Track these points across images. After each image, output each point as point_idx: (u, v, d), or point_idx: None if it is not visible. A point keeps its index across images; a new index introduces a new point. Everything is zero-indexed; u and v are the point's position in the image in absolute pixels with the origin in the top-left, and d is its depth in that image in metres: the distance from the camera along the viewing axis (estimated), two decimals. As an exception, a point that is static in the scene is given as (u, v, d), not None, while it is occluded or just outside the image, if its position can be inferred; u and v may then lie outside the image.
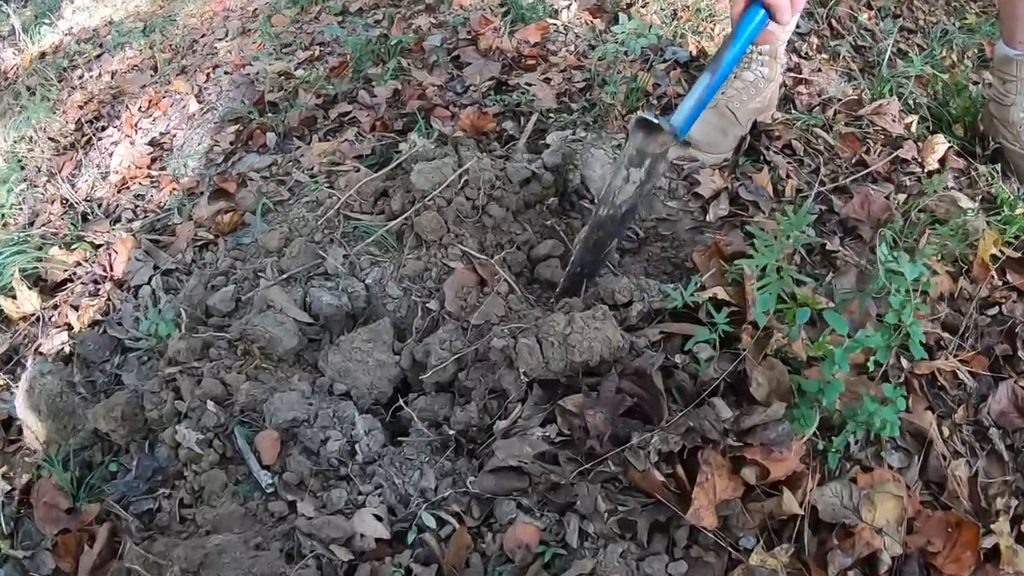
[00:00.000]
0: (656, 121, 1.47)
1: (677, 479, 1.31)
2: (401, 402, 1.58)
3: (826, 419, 1.39)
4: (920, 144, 2.21)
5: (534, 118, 2.28)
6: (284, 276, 1.83)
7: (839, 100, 2.42)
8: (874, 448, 1.47)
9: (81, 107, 3.88)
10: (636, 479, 1.31)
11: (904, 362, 1.58)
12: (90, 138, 3.49)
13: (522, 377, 1.44)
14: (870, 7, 3.07)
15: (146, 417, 1.68)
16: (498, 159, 2.04)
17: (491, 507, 1.37)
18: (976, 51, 2.85)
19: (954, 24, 2.98)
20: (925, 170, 2.17)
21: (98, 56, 4.58)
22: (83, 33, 5.07)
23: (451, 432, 1.47)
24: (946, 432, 1.52)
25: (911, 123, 2.31)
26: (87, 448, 1.79)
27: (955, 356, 1.65)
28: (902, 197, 2.04)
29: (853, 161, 2.17)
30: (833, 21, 2.98)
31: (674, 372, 1.46)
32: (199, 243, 2.20)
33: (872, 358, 1.36)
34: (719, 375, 1.40)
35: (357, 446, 1.49)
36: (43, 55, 4.94)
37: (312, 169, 2.36)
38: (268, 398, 1.57)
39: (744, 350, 1.43)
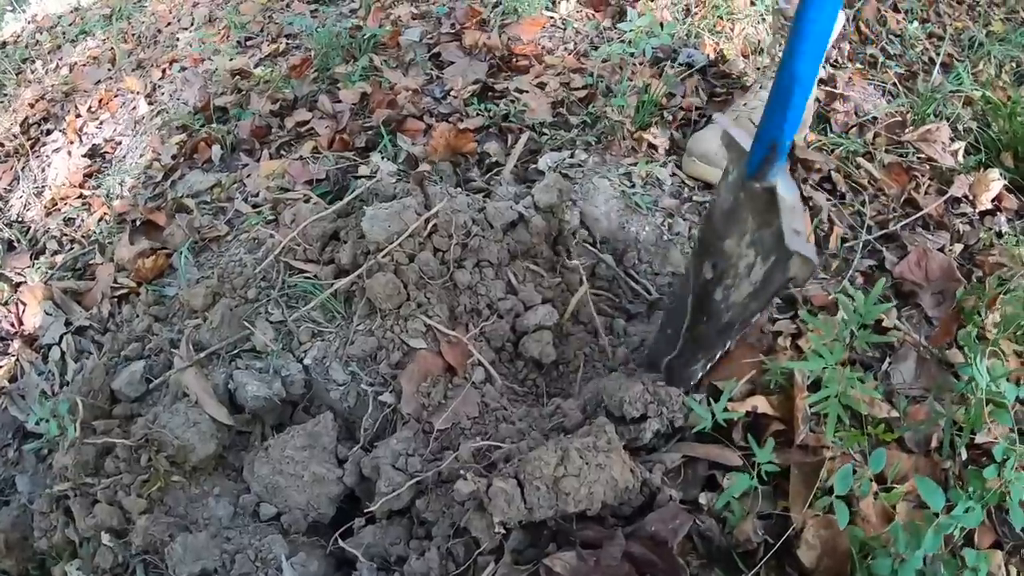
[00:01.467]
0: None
1: None
2: (339, 539, 1.20)
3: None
4: (970, 177, 1.81)
5: (524, 138, 1.87)
6: (203, 353, 1.44)
7: (879, 121, 2.00)
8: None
9: (32, 105, 3.50)
10: None
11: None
12: (35, 142, 3.12)
13: (497, 527, 1.05)
14: (896, 9, 2.64)
15: (34, 548, 1.32)
16: (476, 195, 1.63)
17: None
18: (1014, 64, 2.44)
19: (980, 31, 2.56)
20: (977, 210, 1.77)
21: (59, 47, 4.19)
22: (46, 21, 4.68)
23: (402, 593, 1.09)
24: (1014, 572, 1.15)
25: (958, 150, 1.90)
26: (-23, 573, 1.44)
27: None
28: (958, 248, 1.65)
29: (901, 199, 1.77)
30: (861, 24, 2.57)
31: (696, 518, 1.07)
32: (119, 292, 1.82)
33: (959, 527, 0.98)
34: (759, 536, 1.02)
35: (280, 607, 1.12)
36: (3, 45, 4.55)
37: (257, 195, 1.96)
38: (172, 537, 1.19)
39: (789, 501, 1.04)
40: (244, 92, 2.50)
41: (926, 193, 1.77)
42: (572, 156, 1.83)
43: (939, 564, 0.98)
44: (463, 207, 1.51)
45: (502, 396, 1.32)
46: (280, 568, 1.18)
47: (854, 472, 1.09)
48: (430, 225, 1.46)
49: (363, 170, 1.84)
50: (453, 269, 1.45)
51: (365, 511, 1.21)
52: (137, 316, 1.70)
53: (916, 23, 2.54)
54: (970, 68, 2.26)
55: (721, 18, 2.39)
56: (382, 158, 1.82)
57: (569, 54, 2.31)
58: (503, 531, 1.07)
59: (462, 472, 1.09)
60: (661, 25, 2.29)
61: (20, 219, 2.59)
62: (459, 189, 1.64)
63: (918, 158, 1.87)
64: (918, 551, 0.92)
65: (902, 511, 1.07)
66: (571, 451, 1.04)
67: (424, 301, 1.40)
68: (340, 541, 1.20)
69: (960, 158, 1.89)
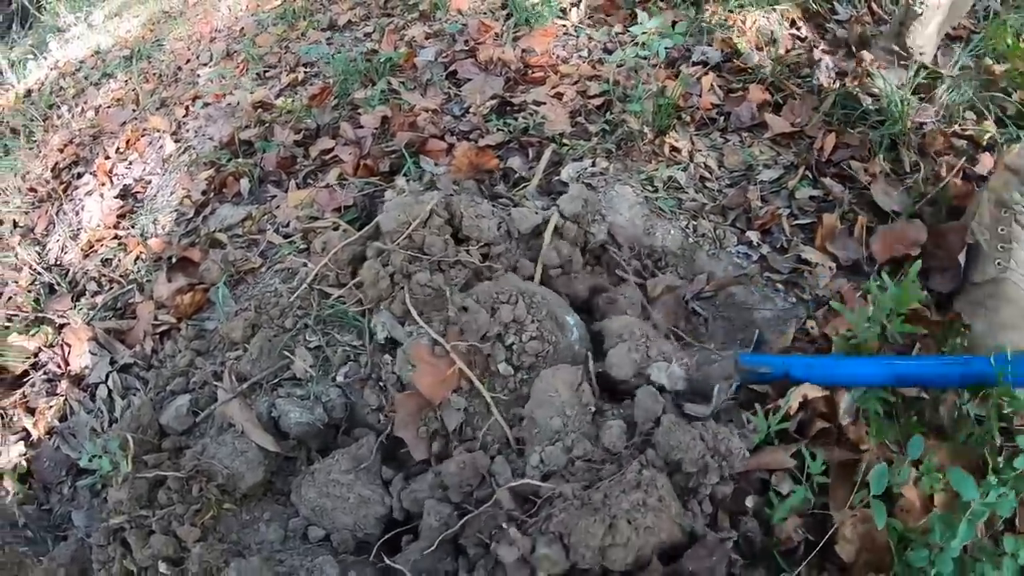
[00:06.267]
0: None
1: None
2: (384, 557, 1.22)
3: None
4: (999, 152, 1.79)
5: (548, 152, 1.88)
6: (246, 384, 1.48)
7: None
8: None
9: (61, 150, 3.60)
10: None
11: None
12: (67, 186, 3.20)
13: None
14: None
15: (93, 580, 1.36)
16: (502, 205, 1.65)
17: None
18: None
19: (995, 0, 2.53)
20: None
21: (83, 91, 4.30)
22: (68, 66, 4.79)
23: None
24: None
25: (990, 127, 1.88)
26: (41, 607, 1.48)
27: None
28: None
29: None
30: (873, 4, 2.55)
31: (740, 520, 1.08)
32: (160, 329, 1.87)
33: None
34: (799, 535, 1.02)
35: (337, 628, 1.14)
36: (29, 92, 4.68)
37: (287, 225, 2.00)
38: (226, 563, 1.22)
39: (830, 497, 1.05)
40: (267, 124, 2.56)
41: (957, 171, 1.75)
42: (594, 165, 1.84)
43: (979, 552, 0.98)
44: (487, 213, 1.53)
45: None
46: (334, 590, 1.20)
47: (890, 464, 1.08)
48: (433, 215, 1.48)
49: (389, 194, 1.87)
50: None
51: (411, 529, 1.23)
52: (179, 351, 1.74)
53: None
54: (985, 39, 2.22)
55: (731, 12, 2.39)
56: (407, 181, 1.85)
57: (584, 62, 2.32)
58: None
59: (503, 525, 1.11)
60: (673, 25, 2.30)
61: (59, 262, 2.66)
62: (484, 199, 1.65)
63: (944, 135, 1.85)
64: (954, 541, 0.92)
65: (940, 500, 1.06)
66: (620, 522, 1.04)
67: (405, 284, 1.42)
68: (386, 559, 1.22)
69: (995, 132, 1.86)
